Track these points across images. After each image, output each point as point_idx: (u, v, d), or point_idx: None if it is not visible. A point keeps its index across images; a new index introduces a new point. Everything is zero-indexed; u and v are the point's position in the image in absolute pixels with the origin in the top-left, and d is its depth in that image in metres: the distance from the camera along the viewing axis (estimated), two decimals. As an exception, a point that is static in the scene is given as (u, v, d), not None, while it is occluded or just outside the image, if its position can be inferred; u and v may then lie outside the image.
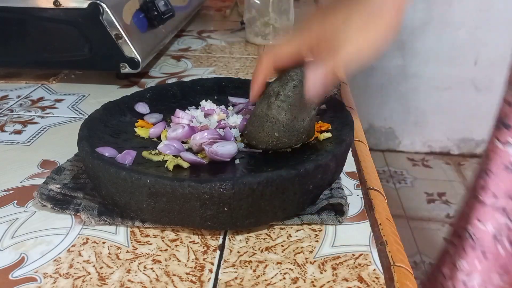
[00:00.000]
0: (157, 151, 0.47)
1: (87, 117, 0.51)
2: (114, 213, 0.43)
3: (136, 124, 0.53)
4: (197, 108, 0.56)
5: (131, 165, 0.45)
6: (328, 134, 0.49)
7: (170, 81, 0.78)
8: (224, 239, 0.42)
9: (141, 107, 0.56)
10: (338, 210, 0.44)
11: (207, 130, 0.47)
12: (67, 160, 0.51)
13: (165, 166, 0.45)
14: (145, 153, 0.47)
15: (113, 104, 0.55)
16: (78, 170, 0.50)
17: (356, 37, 0.43)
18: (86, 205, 0.44)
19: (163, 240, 0.42)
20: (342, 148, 0.45)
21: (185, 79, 0.62)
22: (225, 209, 0.39)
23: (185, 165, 0.45)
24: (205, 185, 0.38)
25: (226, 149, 0.45)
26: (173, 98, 0.59)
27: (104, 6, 0.68)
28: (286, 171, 0.40)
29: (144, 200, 0.40)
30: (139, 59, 0.71)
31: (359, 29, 0.43)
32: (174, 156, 0.46)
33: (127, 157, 0.45)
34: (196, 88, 0.61)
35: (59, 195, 0.46)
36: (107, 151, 0.45)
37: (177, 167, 0.45)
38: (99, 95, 0.72)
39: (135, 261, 0.39)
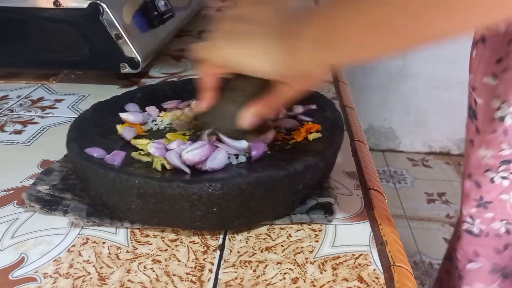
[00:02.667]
0: (146, 151, 0.46)
1: (76, 117, 0.51)
2: (103, 214, 0.43)
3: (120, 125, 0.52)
4: None
5: (120, 165, 0.44)
6: (318, 134, 0.49)
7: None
8: (224, 239, 0.42)
9: (132, 107, 0.56)
10: (327, 209, 0.44)
11: (198, 152, 0.45)
12: (56, 161, 0.51)
13: (153, 166, 0.45)
14: (134, 154, 0.47)
15: (103, 104, 0.54)
16: (67, 171, 0.49)
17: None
18: (75, 206, 0.43)
19: (163, 240, 0.42)
20: (332, 148, 0.45)
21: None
22: (214, 209, 0.39)
23: (168, 166, 0.44)
24: (194, 186, 0.38)
25: (219, 160, 0.44)
26: (164, 98, 0.59)
27: (104, 6, 0.68)
28: (275, 171, 0.39)
29: (133, 201, 0.40)
30: (139, 59, 0.71)
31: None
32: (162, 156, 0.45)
33: (116, 157, 0.45)
34: (188, 88, 0.60)
35: (48, 196, 0.45)
36: (96, 152, 0.45)
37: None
38: (99, 95, 0.72)
39: (135, 261, 0.39)
